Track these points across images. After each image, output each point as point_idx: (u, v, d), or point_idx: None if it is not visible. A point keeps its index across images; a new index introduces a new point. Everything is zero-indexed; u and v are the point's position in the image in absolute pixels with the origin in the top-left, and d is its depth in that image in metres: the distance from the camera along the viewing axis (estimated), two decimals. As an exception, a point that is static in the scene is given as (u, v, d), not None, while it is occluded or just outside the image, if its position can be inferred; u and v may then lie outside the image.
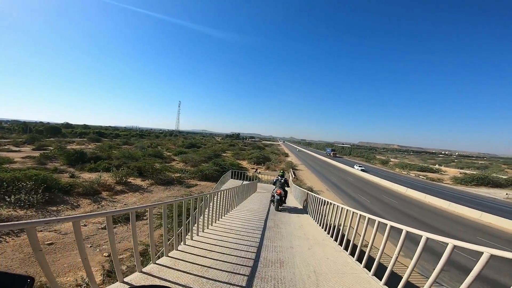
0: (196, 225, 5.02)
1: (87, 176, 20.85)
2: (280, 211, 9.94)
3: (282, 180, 10.85)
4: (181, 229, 4.96)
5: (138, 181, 21.67)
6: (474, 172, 47.79)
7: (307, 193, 10.70)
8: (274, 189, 10.58)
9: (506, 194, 28.68)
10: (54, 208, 13.55)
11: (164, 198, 18.09)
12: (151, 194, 19.31)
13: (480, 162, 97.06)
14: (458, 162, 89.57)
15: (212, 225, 6.09)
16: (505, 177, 39.88)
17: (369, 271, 3.87)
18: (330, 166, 55.98)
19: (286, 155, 73.87)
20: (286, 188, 11.03)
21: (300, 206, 11.73)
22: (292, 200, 13.63)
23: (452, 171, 58.10)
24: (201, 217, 5.37)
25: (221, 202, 6.92)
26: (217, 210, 6.61)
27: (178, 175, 26.16)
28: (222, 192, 6.98)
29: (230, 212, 8.23)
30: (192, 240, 4.75)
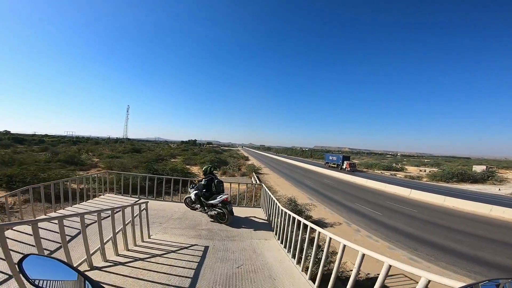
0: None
1: None
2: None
3: (217, 181, 7.17)
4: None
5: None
6: (448, 169, 46.15)
7: (274, 202, 6.50)
8: (219, 197, 6.67)
9: (499, 189, 24.98)
10: None
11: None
12: (13, 218, 10.28)
13: (425, 160, 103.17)
14: (408, 161, 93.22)
15: None
16: (479, 171, 38.29)
17: None
18: (295, 167, 49.87)
19: (246, 159, 66.34)
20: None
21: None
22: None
23: (413, 169, 57.92)
24: None
25: None
26: None
27: (85, 186, 16.84)
28: None
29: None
30: None
